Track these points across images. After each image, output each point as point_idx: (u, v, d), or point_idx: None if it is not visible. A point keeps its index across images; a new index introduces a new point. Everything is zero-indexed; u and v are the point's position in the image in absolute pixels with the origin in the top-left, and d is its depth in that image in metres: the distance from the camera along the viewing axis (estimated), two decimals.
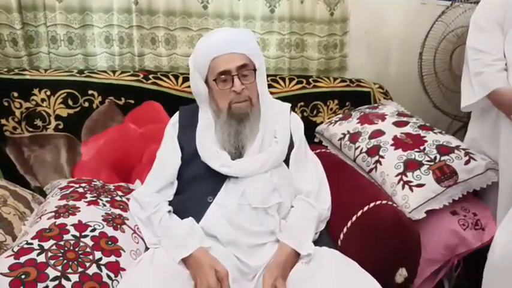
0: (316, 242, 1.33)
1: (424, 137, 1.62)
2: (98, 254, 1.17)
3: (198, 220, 1.30)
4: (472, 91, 1.61)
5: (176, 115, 1.54)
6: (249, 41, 1.43)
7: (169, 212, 1.35)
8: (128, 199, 1.45)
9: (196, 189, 1.37)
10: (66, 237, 1.18)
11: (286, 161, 1.46)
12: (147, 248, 1.31)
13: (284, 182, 1.41)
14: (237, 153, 1.39)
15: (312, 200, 1.42)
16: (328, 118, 2.02)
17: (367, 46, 2.35)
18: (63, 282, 1.06)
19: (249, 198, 1.32)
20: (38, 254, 1.11)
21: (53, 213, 1.28)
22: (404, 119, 1.77)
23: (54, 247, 1.14)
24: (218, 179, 1.36)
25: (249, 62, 1.39)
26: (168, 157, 1.45)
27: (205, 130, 1.43)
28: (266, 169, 1.38)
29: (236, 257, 1.25)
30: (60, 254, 1.12)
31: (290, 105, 1.58)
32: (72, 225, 1.23)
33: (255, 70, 1.40)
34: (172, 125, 1.51)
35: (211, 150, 1.39)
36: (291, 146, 1.47)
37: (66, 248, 1.14)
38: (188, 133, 1.46)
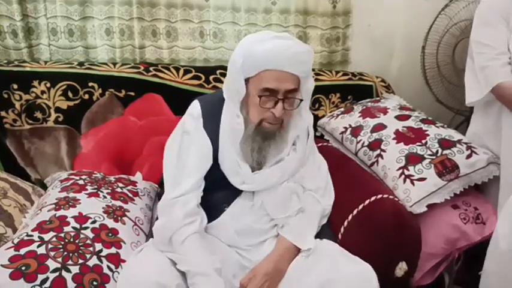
0: (317, 235, 1.34)
1: (426, 130, 1.61)
2: (98, 246, 1.17)
3: (208, 222, 1.28)
4: (478, 86, 1.60)
5: (198, 108, 1.32)
6: (307, 63, 1.29)
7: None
8: (129, 190, 1.44)
9: (213, 194, 1.31)
10: (66, 229, 1.18)
11: None
12: (147, 240, 1.31)
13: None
14: (258, 167, 1.32)
15: (319, 195, 1.41)
16: (330, 112, 2.01)
17: (369, 39, 2.32)
18: (64, 274, 1.06)
19: (268, 210, 1.31)
20: (38, 246, 1.11)
21: (54, 206, 1.28)
22: (407, 112, 1.76)
23: (54, 239, 1.14)
24: (236, 189, 1.31)
25: (298, 86, 1.28)
26: (198, 156, 1.29)
27: (230, 135, 1.30)
28: (284, 180, 1.34)
29: (238, 253, 1.27)
30: (61, 246, 1.12)
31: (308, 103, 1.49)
32: (72, 217, 1.23)
33: (300, 100, 1.30)
34: (196, 119, 1.31)
35: (233, 162, 1.29)
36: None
37: (66, 240, 1.15)
38: (210, 129, 1.31)
